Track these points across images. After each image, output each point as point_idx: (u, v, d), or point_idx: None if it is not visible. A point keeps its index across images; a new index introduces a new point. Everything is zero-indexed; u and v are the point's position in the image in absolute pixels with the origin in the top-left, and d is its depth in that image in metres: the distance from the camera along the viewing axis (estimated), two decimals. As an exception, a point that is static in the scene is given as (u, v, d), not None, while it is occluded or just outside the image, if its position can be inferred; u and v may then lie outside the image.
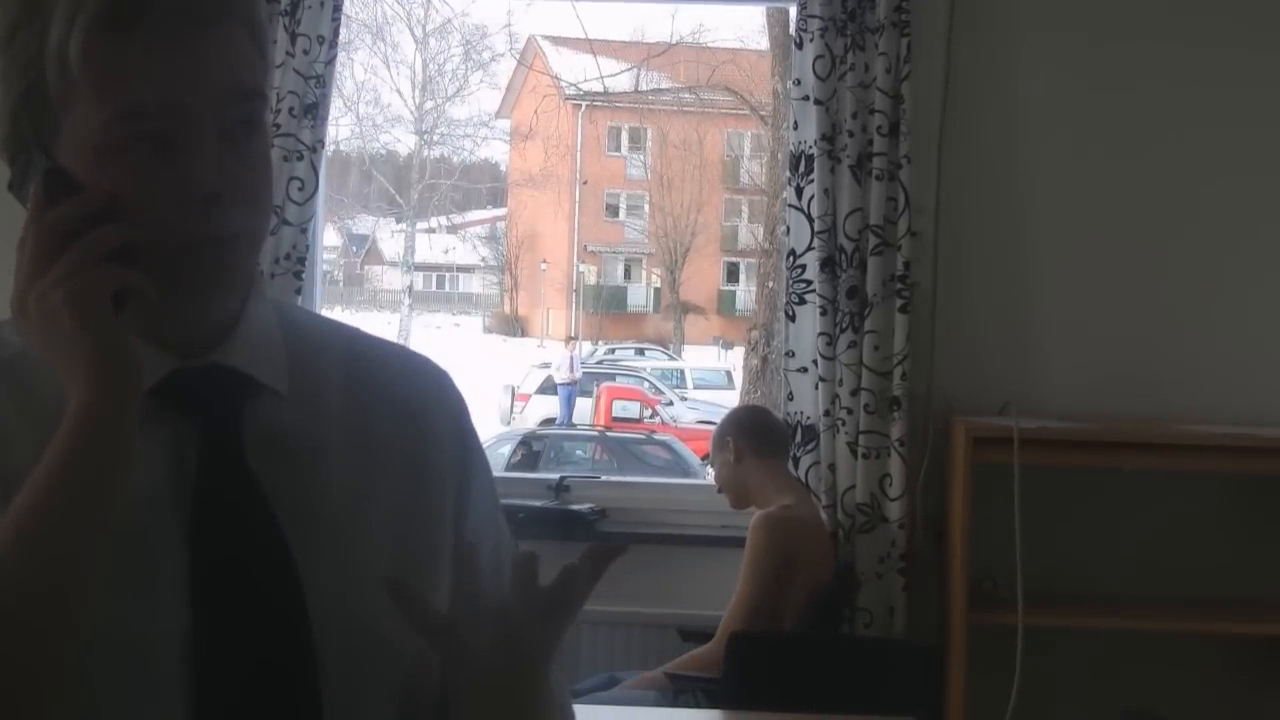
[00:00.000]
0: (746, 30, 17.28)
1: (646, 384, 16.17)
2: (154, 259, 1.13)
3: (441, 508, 1.27)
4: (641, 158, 22.15)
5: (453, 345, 16.89)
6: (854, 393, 3.74)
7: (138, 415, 1.11)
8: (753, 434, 3.77)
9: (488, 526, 1.32)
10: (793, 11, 3.86)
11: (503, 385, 15.57)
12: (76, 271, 1.11)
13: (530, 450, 11.63)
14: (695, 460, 11.16)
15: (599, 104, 20.57)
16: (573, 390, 15.14)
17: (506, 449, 11.35)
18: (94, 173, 1.13)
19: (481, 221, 24.03)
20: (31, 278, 1.12)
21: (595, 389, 14.97)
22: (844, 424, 3.75)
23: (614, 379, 16.14)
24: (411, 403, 1.29)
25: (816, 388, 3.78)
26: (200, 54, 1.12)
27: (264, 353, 1.23)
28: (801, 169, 3.79)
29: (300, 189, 3.79)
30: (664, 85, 18.44)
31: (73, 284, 1.10)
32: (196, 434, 1.18)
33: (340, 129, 16.97)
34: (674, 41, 16.70)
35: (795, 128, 3.83)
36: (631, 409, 14.56)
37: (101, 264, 1.11)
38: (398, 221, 20.98)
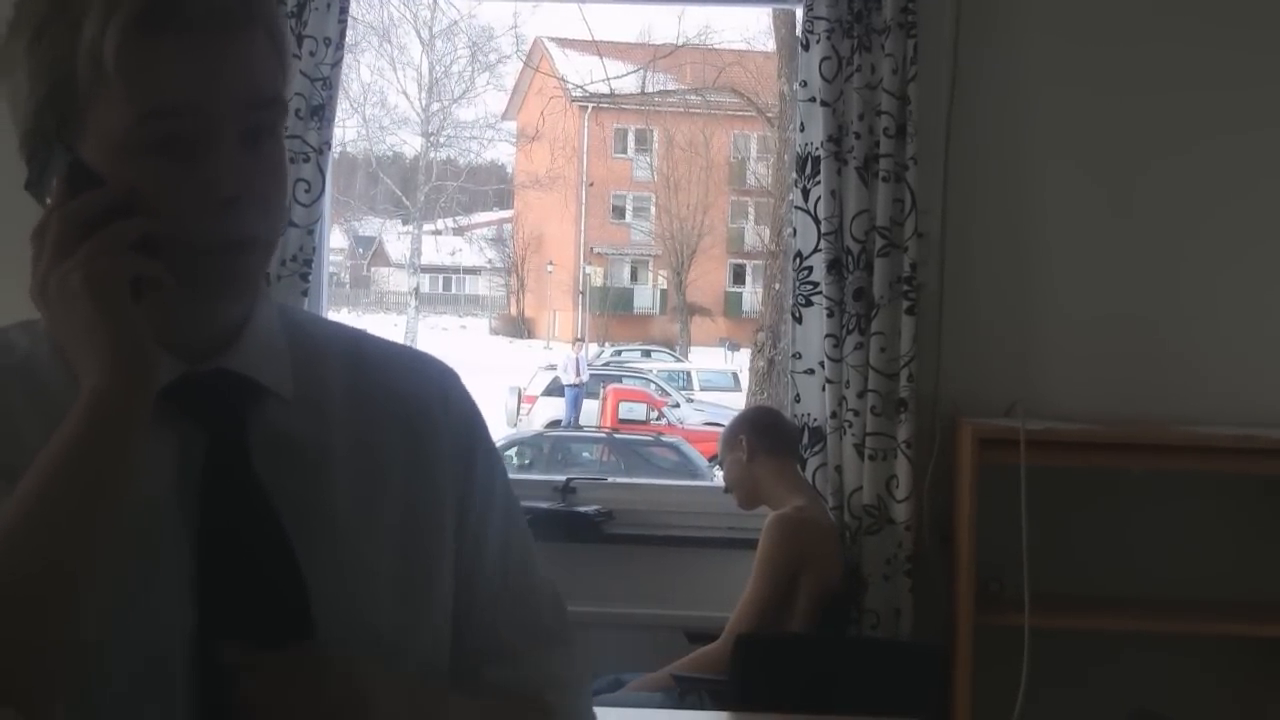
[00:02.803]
0: (753, 32, 17.29)
1: (653, 386, 16.17)
2: (169, 260, 1.15)
3: (442, 506, 1.27)
4: (648, 159, 22.14)
5: (459, 347, 16.89)
6: (861, 394, 3.74)
7: (151, 403, 1.12)
8: (766, 433, 3.76)
9: (496, 523, 1.31)
10: (799, 13, 3.85)
11: (509, 387, 15.57)
12: (98, 257, 1.12)
13: (537, 452, 11.64)
14: (703, 462, 11.16)
15: (605, 106, 20.58)
16: (579, 392, 15.14)
17: (513, 451, 11.36)
18: (116, 170, 1.14)
19: (488, 223, 24.04)
20: (53, 264, 1.13)
21: (602, 391, 14.97)
22: (851, 425, 3.75)
23: (620, 381, 16.14)
24: (414, 403, 1.29)
25: (823, 389, 3.78)
26: (228, 58, 1.14)
27: (269, 358, 1.24)
28: (808, 170, 3.79)
29: (307, 190, 3.79)
30: (670, 87, 18.45)
31: (93, 267, 1.11)
32: (203, 438, 1.19)
33: (347, 131, 16.99)
34: (680, 43, 16.71)
35: (801, 129, 3.82)
36: (638, 411, 14.56)
37: (123, 251, 1.13)
38: (404, 223, 21.00)
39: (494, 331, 24.64)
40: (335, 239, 18.16)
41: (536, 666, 1.30)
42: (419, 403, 1.30)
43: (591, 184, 22.26)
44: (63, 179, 1.15)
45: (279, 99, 1.19)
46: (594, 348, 19.95)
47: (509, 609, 1.31)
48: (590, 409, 14.86)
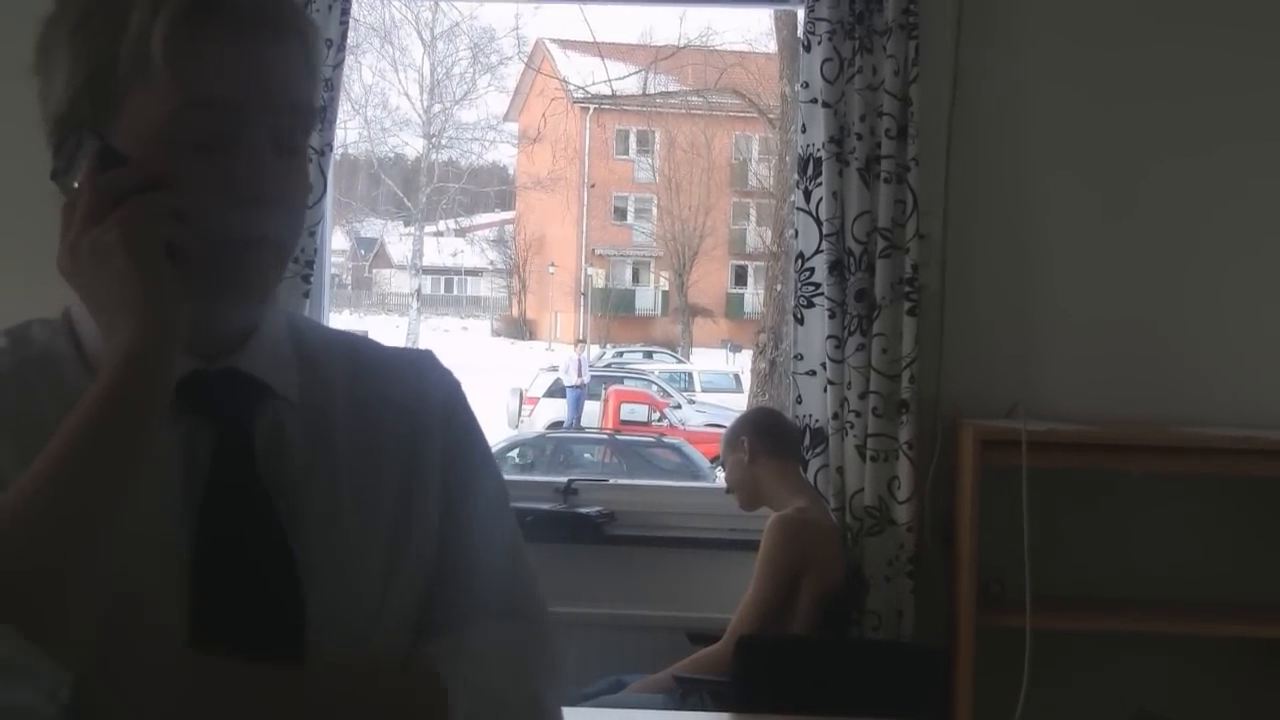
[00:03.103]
0: (754, 33, 17.33)
1: (655, 387, 16.17)
2: (182, 229, 1.17)
3: (433, 502, 1.29)
4: (649, 161, 22.19)
5: (461, 348, 16.89)
6: (862, 396, 3.74)
7: (176, 363, 1.14)
8: (767, 434, 3.77)
9: (480, 501, 1.33)
10: (800, 14, 3.85)
11: (511, 388, 15.59)
12: (134, 218, 1.14)
13: (539, 453, 11.63)
14: (705, 463, 11.16)
15: (607, 107, 20.62)
16: (581, 393, 15.16)
17: (515, 452, 11.36)
18: (146, 158, 1.16)
19: (489, 225, 24.09)
20: (85, 229, 1.15)
21: (603, 392, 14.98)
22: (852, 427, 3.75)
23: (622, 382, 16.14)
24: (406, 399, 1.32)
25: (825, 391, 3.78)
26: (268, 61, 1.17)
27: (276, 361, 1.27)
28: (809, 172, 3.79)
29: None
30: (672, 88, 18.48)
31: (130, 225, 1.13)
32: (209, 435, 1.20)
33: (348, 132, 17.06)
34: (682, 44, 16.75)
35: (803, 130, 3.82)
36: (640, 412, 14.57)
37: (161, 214, 1.15)
38: (406, 225, 21.05)
39: (495, 333, 24.68)
40: (337, 241, 18.17)
41: (448, 640, 1.26)
42: (409, 398, 1.33)
43: (593, 185, 22.30)
44: (94, 158, 1.17)
45: (311, 108, 1.23)
46: (595, 349, 19.97)
47: (462, 584, 1.30)
48: (592, 410, 14.87)
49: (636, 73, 17.71)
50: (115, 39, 1.16)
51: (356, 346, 1.37)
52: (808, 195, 3.79)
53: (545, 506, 4.10)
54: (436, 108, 19.06)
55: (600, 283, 23.50)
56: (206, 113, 1.16)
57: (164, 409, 1.13)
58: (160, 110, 1.15)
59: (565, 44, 18.38)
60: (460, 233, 23.31)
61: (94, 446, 1.09)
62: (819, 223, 3.77)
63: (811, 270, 3.80)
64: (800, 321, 3.84)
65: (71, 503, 1.08)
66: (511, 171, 22.67)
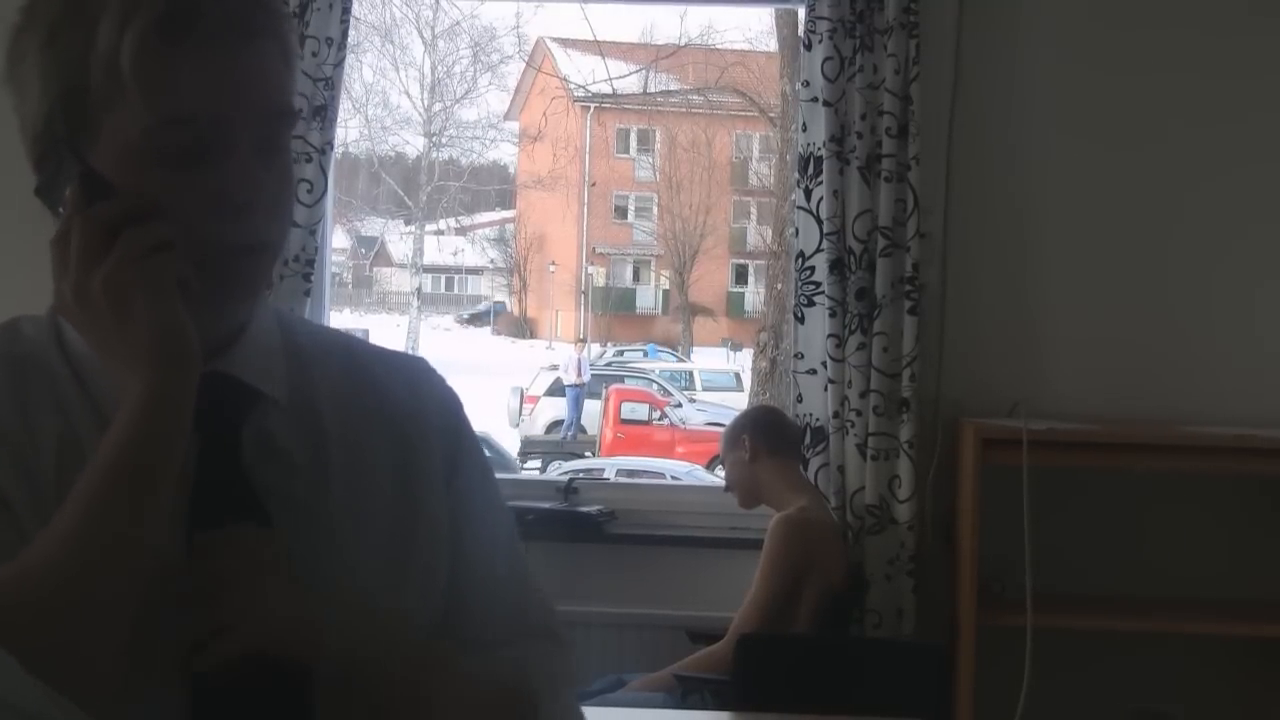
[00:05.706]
0: (755, 32, 17.31)
1: (655, 386, 16.18)
2: (182, 263, 1.16)
3: (435, 503, 1.29)
4: (650, 159, 22.19)
5: (461, 347, 16.91)
6: (863, 394, 3.74)
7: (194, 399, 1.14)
8: (768, 433, 3.77)
9: (483, 516, 1.33)
10: (801, 13, 3.85)
11: (511, 387, 15.59)
12: (138, 258, 1.13)
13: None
14: (511, 457, 11.42)
15: (608, 106, 20.61)
16: (581, 392, 15.16)
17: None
18: (130, 177, 1.15)
19: (490, 223, 24.09)
20: (88, 267, 1.13)
21: (604, 391, 14.98)
22: (853, 426, 3.75)
23: (623, 381, 16.15)
24: (402, 405, 1.31)
25: (825, 389, 3.78)
26: (244, 69, 1.15)
27: (264, 362, 1.25)
28: (810, 170, 3.79)
29: (309, 191, 3.79)
30: (672, 87, 18.48)
31: (147, 267, 1.12)
32: (196, 439, 1.18)
33: (349, 131, 17.03)
34: (682, 43, 16.74)
35: (804, 129, 3.82)
36: (640, 411, 14.58)
37: (168, 249, 1.14)
38: (406, 223, 21.04)
39: (496, 332, 24.68)
40: (338, 239, 18.17)
41: (523, 656, 1.29)
42: (405, 405, 1.31)
43: (594, 184, 22.29)
44: (78, 186, 1.15)
45: (291, 109, 1.21)
46: (596, 348, 19.97)
47: (499, 603, 1.32)
48: (592, 409, 14.87)
49: (637, 71, 17.71)
50: (85, 58, 1.13)
51: (350, 345, 1.36)
52: (808, 194, 3.79)
53: (546, 505, 4.09)
54: (437, 106, 19.05)
55: (601, 281, 23.50)
56: (187, 128, 1.14)
57: (185, 439, 1.13)
58: (135, 129, 1.13)
59: (566, 43, 18.38)
60: (461, 231, 23.31)
61: (134, 496, 1.10)
62: (819, 221, 3.77)
63: (812, 269, 3.80)
64: (801, 320, 3.84)
65: (115, 554, 1.09)
66: (512, 170, 22.67)
